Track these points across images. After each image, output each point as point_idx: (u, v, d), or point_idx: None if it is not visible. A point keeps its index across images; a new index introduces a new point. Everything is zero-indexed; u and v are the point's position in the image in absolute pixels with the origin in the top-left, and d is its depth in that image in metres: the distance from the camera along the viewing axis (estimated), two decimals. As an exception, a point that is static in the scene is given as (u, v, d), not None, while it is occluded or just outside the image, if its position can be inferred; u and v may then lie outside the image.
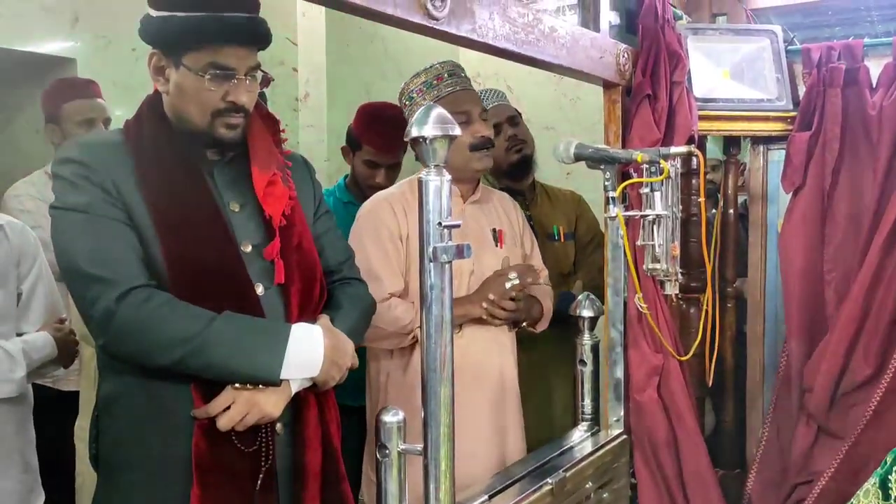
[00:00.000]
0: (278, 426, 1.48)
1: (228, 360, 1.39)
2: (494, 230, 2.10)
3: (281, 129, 1.63)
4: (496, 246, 2.10)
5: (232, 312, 1.41)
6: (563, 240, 2.51)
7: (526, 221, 2.25)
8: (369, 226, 2.00)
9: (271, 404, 1.42)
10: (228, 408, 1.40)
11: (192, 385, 1.40)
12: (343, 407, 2.58)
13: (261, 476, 1.44)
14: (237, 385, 1.41)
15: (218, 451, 1.41)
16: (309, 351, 1.45)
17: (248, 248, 1.48)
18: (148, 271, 1.40)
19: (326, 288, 1.61)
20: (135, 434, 1.44)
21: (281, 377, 1.42)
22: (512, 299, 1.99)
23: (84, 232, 1.37)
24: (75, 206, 1.38)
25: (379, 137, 2.53)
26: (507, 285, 1.99)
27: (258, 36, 1.47)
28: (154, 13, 1.43)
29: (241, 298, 1.44)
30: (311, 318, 1.53)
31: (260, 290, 1.48)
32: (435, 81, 2.03)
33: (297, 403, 1.49)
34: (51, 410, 2.18)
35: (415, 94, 2.05)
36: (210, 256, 1.44)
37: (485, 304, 1.98)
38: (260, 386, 1.42)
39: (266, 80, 1.52)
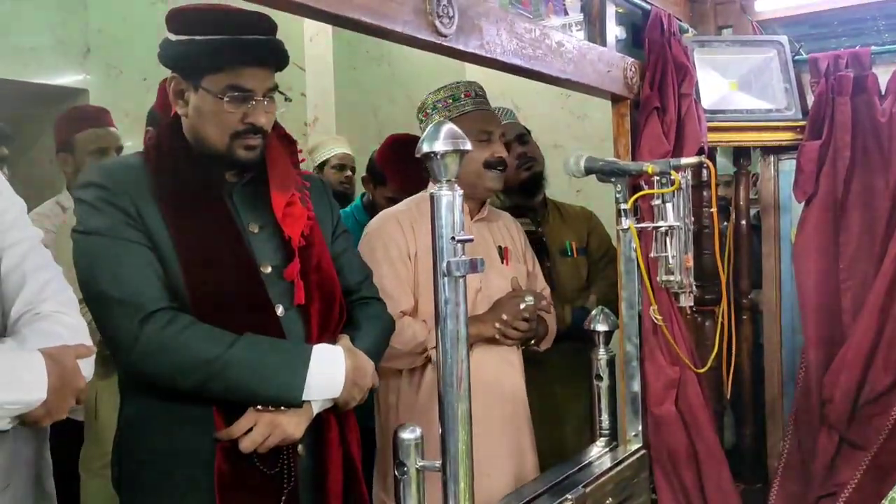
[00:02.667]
0: (300, 448, 1.47)
1: (250, 382, 1.39)
2: (500, 248, 2.10)
3: (299, 150, 1.64)
4: (502, 264, 2.09)
5: (253, 334, 1.41)
6: (575, 255, 2.50)
7: (527, 240, 2.26)
8: (379, 244, 1.99)
9: (293, 426, 1.42)
10: (250, 430, 1.40)
11: (213, 408, 1.40)
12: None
13: (283, 498, 1.43)
14: (259, 407, 1.41)
15: (240, 473, 1.40)
16: (330, 372, 1.45)
17: (268, 269, 1.49)
18: (169, 293, 1.40)
19: (346, 308, 1.61)
20: (157, 457, 1.44)
21: (303, 399, 1.42)
22: (526, 320, 1.98)
23: (106, 255, 1.38)
24: (97, 229, 1.39)
25: (404, 177, 2.52)
26: (521, 306, 1.98)
27: (276, 57, 1.48)
28: (173, 37, 1.45)
29: (262, 319, 1.45)
30: (332, 338, 1.52)
31: (280, 310, 1.48)
32: (462, 97, 2.03)
33: (319, 425, 1.48)
34: (56, 440, 2.17)
35: (439, 105, 2.04)
36: (230, 278, 1.44)
37: (498, 325, 1.96)
38: (282, 407, 1.41)
39: (284, 99, 1.54)
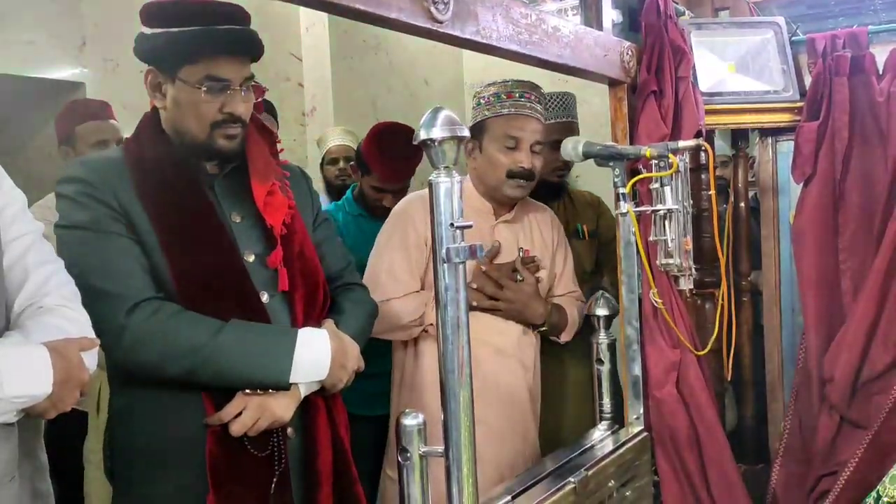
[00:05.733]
0: (289, 430, 1.50)
1: (238, 366, 1.41)
2: (520, 249, 2.09)
3: (277, 140, 1.66)
4: None
5: (239, 320, 1.44)
6: (587, 237, 2.51)
7: (563, 239, 2.23)
8: (399, 227, 2.02)
9: (282, 408, 1.45)
10: (240, 414, 1.42)
11: (203, 393, 1.43)
12: (357, 416, 2.60)
13: (274, 480, 1.46)
14: (247, 391, 1.43)
15: (232, 457, 1.43)
16: (316, 354, 1.48)
17: (252, 258, 1.51)
18: (155, 284, 1.42)
19: (329, 294, 1.63)
20: (149, 445, 1.46)
21: (290, 381, 1.45)
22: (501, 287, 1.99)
23: (90, 249, 1.39)
24: (80, 223, 1.41)
25: (387, 167, 2.52)
26: (483, 268, 2.00)
27: (251, 47, 1.50)
28: (148, 31, 1.46)
29: (247, 307, 1.47)
30: (316, 324, 1.55)
31: (265, 298, 1.50)
32: (504, 96, 2.02)
33: (307, 408, 1.52)
34: (63, 431, 2.18)
35: (482, 101, 2.05)
36: (214, 267, 1.47)
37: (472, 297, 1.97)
38: (270, 391, 1.44)
39: (260, 91, 1.54)
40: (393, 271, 1.96)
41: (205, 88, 1.44)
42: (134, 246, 1.42)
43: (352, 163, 2.76)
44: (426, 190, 2.08)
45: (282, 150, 1.68)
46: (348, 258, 1.76)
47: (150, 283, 1.41)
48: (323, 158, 3.44)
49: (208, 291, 1.45)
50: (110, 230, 1.41)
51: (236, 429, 1.41)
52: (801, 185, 2.17)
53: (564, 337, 2.15)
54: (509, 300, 2.02)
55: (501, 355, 2.04)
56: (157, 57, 1.47)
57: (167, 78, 1.47)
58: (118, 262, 1.40)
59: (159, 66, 1.48)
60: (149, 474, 1.46)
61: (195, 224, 1.47)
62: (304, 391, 1.48)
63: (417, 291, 2.00)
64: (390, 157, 2.51)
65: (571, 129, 2.42)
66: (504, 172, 2.00)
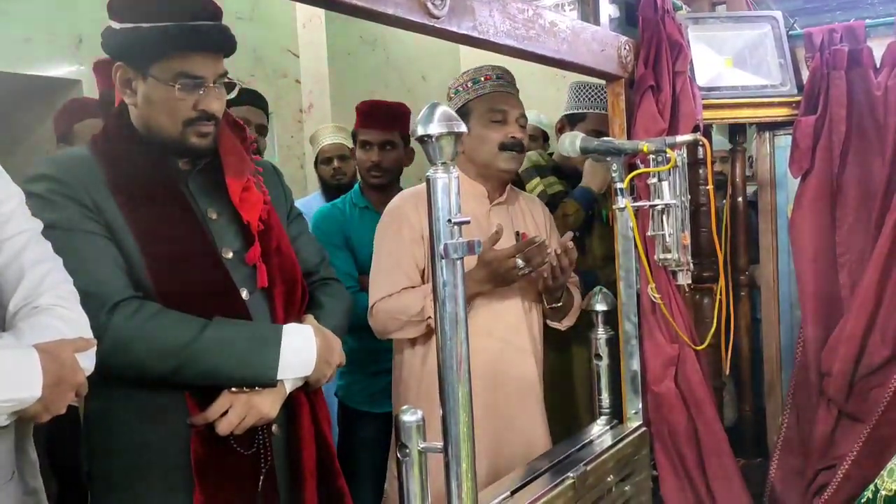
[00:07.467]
0: (274, 427, 1.49)
1: (224, 364, 1.39)
2: (517, 233, 2.09)
3: (249, 135, 1.64)
4: None
5: (223, 318, 1.42)
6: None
7: (554, 225, 2.24)
8: (393, 223, 2.02)
9: (268, 405, 1.43)
10: (226, 412, 1.40)
11: (186, 393, 1.41)
12: (363, 413, 2.60)
13: (261, 477, 1.45)
14: (233, 389, 1.41)
15: (218, 456, 1.41)
16: (302, 350, 1.47)
17: (230, 255, 1.49)
18: (133, 284, 1.39)
19: (307, 289, 1.62)
20: (129, 447, 1.43)
21: (277, 378, 1.43)
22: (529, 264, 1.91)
23: (65, 249, 1.33)
24: (52, 223, 1.35)
25: (366, 116, 2.59)
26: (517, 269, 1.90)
27: (225, 43, 1.47)
28: (117, 25, 1.43)
29: (228, 304, 1.45)
30: (296, 319, 1.54)
31: (245, 294, 1.48)
32: (482, 79, 2.05)
33: (290, 404, 1.50)
34: (63, 429, 2.18)
35: (460, 89, 2.08)
36: (193, 265, 1.44)
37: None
38: (256, 388, 1.43)
39: (231, 86, 1.52)
40: (391, 266, 1.96)
41: (178, 86, 1.41)
42: (110, 245, 1.38)
43: (352, 147, 2.78)
44: (417, 187, 2.11)
45: (254, 146, 1.66)
46: (322, 253, 1.74)
47: (128, 282, 1.38)
48: (317, 158, 3.41)
49: (188, 290, 1.42)
50: (85, 229, 1.37)
51: (223, 427, 1.39)
52: (799, 179, 2.18)
53: (567, 322, 2.15)
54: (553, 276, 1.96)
55: (507, 343, 2.04)
56: (127, 53, 1.43)
57: (138, 74, 1.44)
58: (96, 262, 1.36)
59: (129, 62, 1.44)
60: (130, 477, 1.43)
61: (171, 222, 1.44)
62: (289, 387, 1.47)
63: (415, 287, 1.99)
64: (367, 106, 2.61)
65: None
66: (496, 146, 2.01)
